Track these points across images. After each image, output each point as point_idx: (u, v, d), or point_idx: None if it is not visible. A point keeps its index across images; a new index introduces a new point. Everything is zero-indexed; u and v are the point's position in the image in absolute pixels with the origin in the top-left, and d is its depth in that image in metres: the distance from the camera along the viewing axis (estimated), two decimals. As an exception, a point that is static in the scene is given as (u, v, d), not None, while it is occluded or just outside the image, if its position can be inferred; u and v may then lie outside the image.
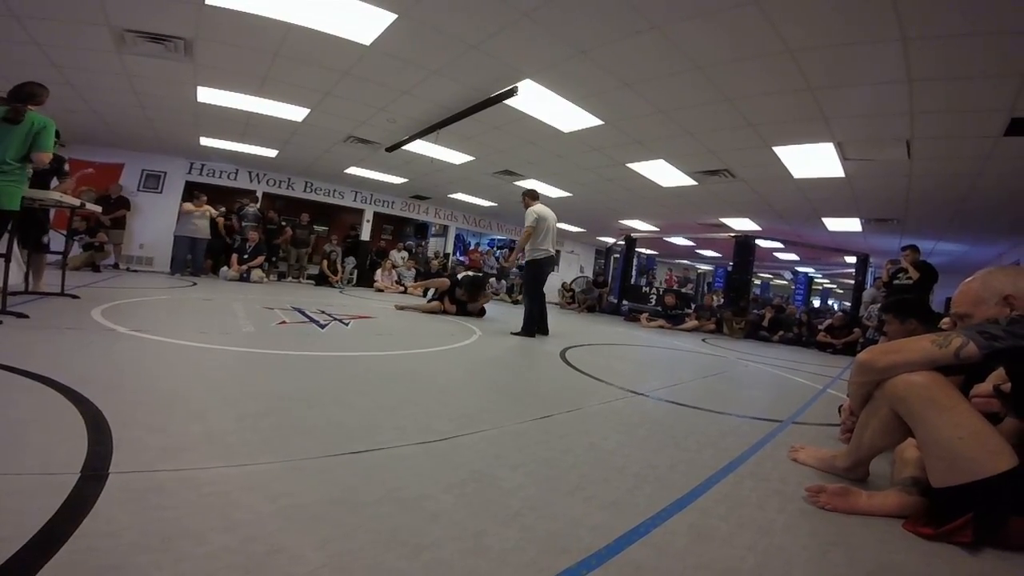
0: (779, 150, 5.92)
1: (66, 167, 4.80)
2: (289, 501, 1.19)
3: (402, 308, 7.01)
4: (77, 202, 4.28)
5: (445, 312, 6.88)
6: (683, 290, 13.66)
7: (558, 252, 17.43)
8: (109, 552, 0.91)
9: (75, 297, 4.43)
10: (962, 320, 1.58)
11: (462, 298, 6.99)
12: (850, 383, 1.71)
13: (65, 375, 1.95)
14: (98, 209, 6.15)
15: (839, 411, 2.52)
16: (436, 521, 1.18)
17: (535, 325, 5.48)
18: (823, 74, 4.05)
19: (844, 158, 5.82)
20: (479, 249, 15.50)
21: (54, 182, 4.53)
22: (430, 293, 8.01)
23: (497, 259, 15.25)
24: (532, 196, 5.84)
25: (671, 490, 1.55)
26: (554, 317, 6.31)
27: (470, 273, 7.73)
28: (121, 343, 2.85)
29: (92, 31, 4.68)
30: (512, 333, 5.42)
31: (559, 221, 5.94)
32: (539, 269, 5.62)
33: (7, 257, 3.42)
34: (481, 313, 7.17)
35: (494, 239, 17.94)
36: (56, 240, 5.10)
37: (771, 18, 3.41)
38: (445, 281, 7.29)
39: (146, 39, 4.74)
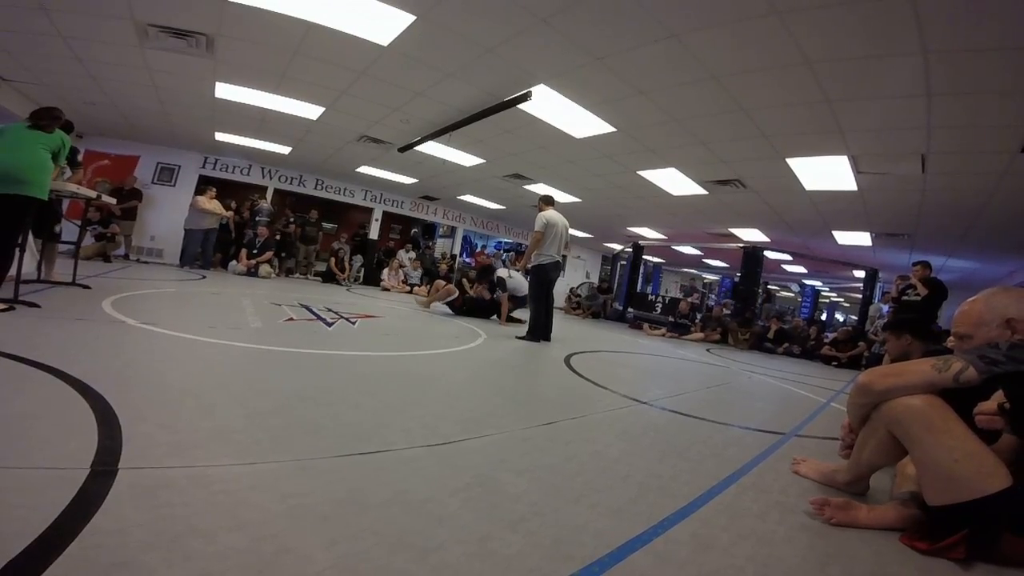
0: (792, 162, 5.89)
1: (79, 158, 4.86)
2: (297, 501, 1.20)
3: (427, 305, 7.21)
4: (93, 194, 4.34)
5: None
6: (691, 299, 13.63)
7: (564, 258, 17.36)
8: (118, 549, 0.92)
9: (86, 287, 4.47)
10: (962, 340, 1.60)
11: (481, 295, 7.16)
12: (849, 403, 1.73)
13: (75, 367, 1.97)
14: (113, 201, 6.23)
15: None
16: (442, 524, 1.19)
17: (541, 330, 5.48)
18: (841, 86, 4.02)
19: (857, 171, 5.79)
20: (485, 251, 15.50)
21: (67, 172, 4.59)
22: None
23: (504, 262, 15.25)
24: (546, 202, 5.86)
25: (674, 499, 1.56)
26: (558, 323, 6.30)
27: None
28: (131, 336, 2.88)
29: (117, 25, 4.74)
30: (517, 337, 5.43)
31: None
32: (544, 274, 5.64)
33: (21, 246, 3.47)
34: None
35: (501, 242, 17.95)
36: (68, 230, 5.16)
37: (791, 30, 3.39)
38: (452, 289, 7.35)
39: (169, 34, 4.80)
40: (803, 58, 3.71)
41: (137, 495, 1.12)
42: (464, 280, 9.32)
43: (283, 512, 1.14)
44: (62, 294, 4.01)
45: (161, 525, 1.01)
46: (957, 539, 1.33)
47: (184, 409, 1.74)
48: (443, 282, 7.85)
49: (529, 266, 5.79)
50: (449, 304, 7.32)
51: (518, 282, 6.97)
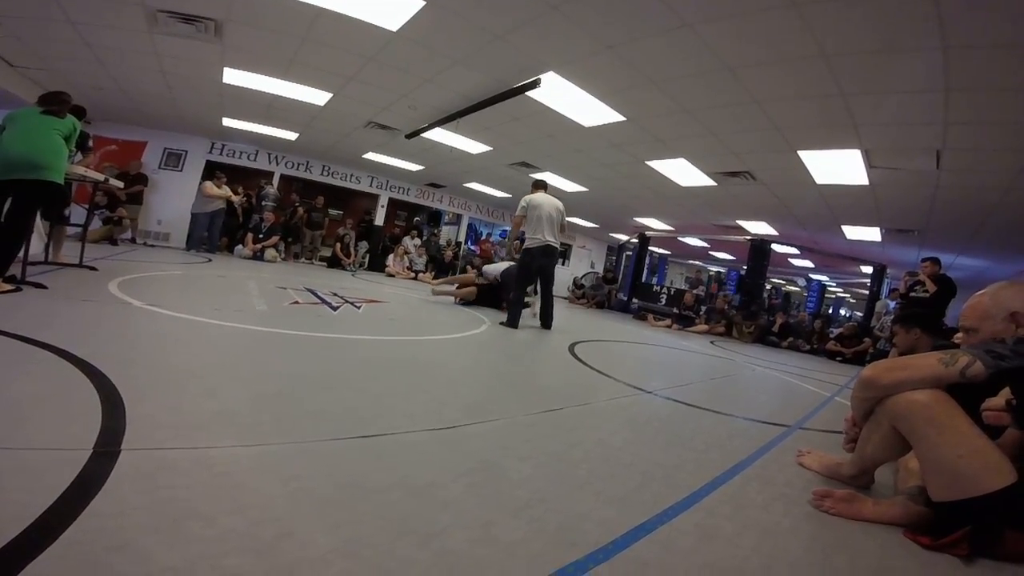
0: (804, 155, 5.82)
1: (90, 143, 4.87)
2: (299, 484, 1.19)
3: (438, 294, 7.13)
4: (101, 177, 4.35)
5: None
6: (696, 291, 13.58)
7: (569, 247, 17.41)
8: (117, 532, 0.90)
9: (93, 269, 4.49)
10: (968, 334, 1.59)
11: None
12: (853, 397, 1.71)
13: (81, 348, 1.97)
14: (120, 185, 6.24)
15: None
16: (445, 510, 1.19)
17: (519, 315, 5.31)
18: (857, 80, 3.95)
19: (870, 166, 5.71)
20: (490, 239, 15.49)
21: (77, 156, 4.59)
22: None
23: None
24: (536, 185, 5.70)
25: (678, 489, 1.55)
26: (562, 312, 6.28)
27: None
28: (136, 317, 2.89)
29: (126, 10, 4.71)
30: (500, 323, 5.27)
31: (573, 215, 5.84)
32: (530, 258, 5.44)
33: (30, 228, 3.49)
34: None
35: (505, 230, 17.91)
36: (76, 213, 5.17)
37: (809, 22, 3.33)
38: (473, 291, 7.21)
39: (178, 19, 4.77)
40: (819, 51, 3.65)
41: (138, 477, 1.11)
42: (469, 267, 9.31)
43: (285, 495, 1.13)
44: (69, 275, 4.03)
45: (161, 508, 1.00)
46: (960, 535, 1.32)
47: (188, 391, 1.74)
48: (467, 276, 7.76)
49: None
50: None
51: (492, 268, 6.99)
